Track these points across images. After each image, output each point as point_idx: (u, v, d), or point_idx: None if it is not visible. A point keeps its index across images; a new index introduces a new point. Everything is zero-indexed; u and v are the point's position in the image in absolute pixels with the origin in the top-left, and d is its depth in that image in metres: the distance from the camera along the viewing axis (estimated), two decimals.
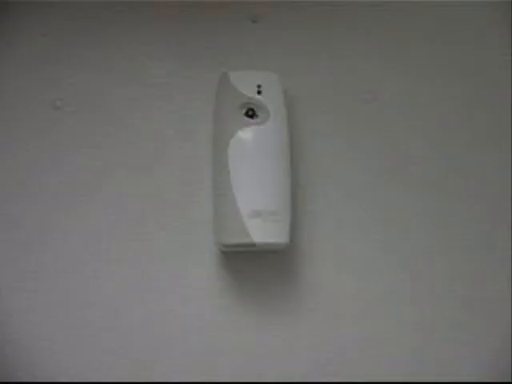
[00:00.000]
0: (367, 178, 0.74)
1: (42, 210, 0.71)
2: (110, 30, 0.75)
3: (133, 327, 0.70)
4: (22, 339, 0.69)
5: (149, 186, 0.72)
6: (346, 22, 0.77)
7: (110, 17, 0.75)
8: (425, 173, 0.74)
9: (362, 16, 0.77)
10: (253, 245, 0.67)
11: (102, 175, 0.72)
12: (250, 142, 0.69)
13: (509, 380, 0.67)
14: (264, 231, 0.67)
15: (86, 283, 0.70)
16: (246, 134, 0.69)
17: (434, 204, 0.74)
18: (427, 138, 0.75)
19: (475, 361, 0.70)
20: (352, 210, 0.73)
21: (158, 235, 0.71)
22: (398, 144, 0.75)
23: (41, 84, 0.74)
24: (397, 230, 0.73)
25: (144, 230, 0.71)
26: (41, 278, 0.70)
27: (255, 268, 0.71)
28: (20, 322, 0.69)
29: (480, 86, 0.76)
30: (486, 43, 0.77)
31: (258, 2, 0.76)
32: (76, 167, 0.72)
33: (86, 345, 0.69)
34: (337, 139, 0.74)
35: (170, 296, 0.70)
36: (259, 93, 0.70)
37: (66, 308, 0.70)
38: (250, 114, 0.70)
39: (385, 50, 0.76)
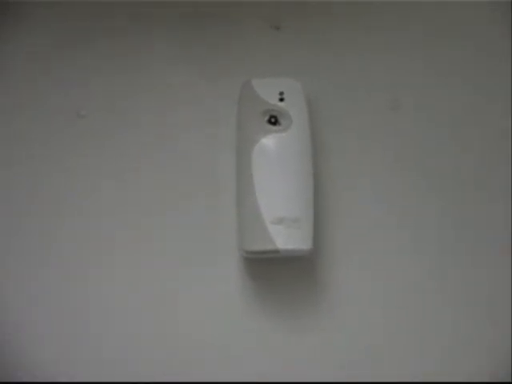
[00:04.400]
0: (391, 182, 0.74)
1: (56, 212, 0.72)
2: (132, 37, 0.76)
3: (153, 331, 0.70)
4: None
5: (171, 192, 0.73)
6: (368, 27, 0.77)
7: (132, 24, 0.76)
8: (452, 178, 0.74)
9: (384, 21, 0.77)
10: (276, 251, 0.67)
11: (124, 181, 0.73)
12: (273, 149, 0.69)
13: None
14: (287, 238, 0.67)
15: (100, 285, 0.71)
16: (269, 141, 0.69)
17: (461, 208, 0.74)
18: (452, 141, 0.75)
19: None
20: (376, 215, 0.73)
21: (180, 241, 0.72)
22: (421, 148, 0.75)
23: (64, 92, 0.75)
24: (422, 235, 0.73)
25: (166, 235, 0.72)
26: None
27: (278, 274, 0.71)
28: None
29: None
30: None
31: (280, 8, 0.76)
32: (97, 172, 0.73)
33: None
34: (359, 145, 0.75)
35: (192, 301, 0.70)
36: (282, 100, 0.71)
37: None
38: (273, 121, 0.70)
39: (404, 53, 0.77)
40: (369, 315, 0.71)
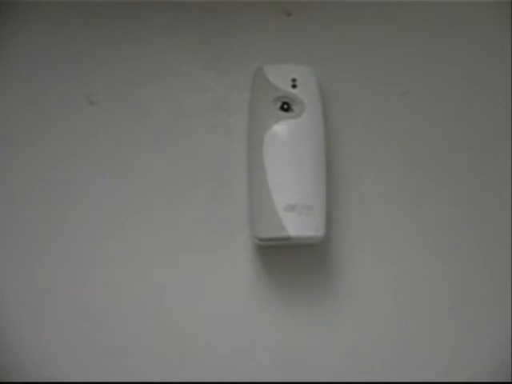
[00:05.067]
0: (401, 170, 0.74)
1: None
2: (141, 25, 0.75)
3: (165, 319, 0.70)
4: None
5: (183, 179, 0.72)
6: (378, 15, 0.77)
7: (141, 13, 0.76)
8: (459, 165, 0.74)
9: (394, 10, 0.77)
10: (288, 238, 0.67)
11: (136, 169, 0.73)
12: (286, 136, 0.69)
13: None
14: (299, 225, 0.67)
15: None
16: (281, 128, 0.69)
17: (468, 195, 0.73)
18: (460, 130, 0.75)
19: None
20: (387, 202, 0.73)
21: (192, 229, 0.71)
22: (431, 136, 0.75)
23: (75, 79, 0.74)
24: (431, 221, 0.73)
25: (178, 223, 0.72)
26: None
27: (290, 261, 0.71)
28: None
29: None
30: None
31: None
32: (107, 161, 0.73)
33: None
34: (371, 132, 0.74)
35: (204, 289, 0.70)
36: (294, 86, 0.70)
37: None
38: (285, 107, 0.70)
39: (413, 47, 0.77)
40: (382, 303, 0.71)
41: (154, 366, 0.69)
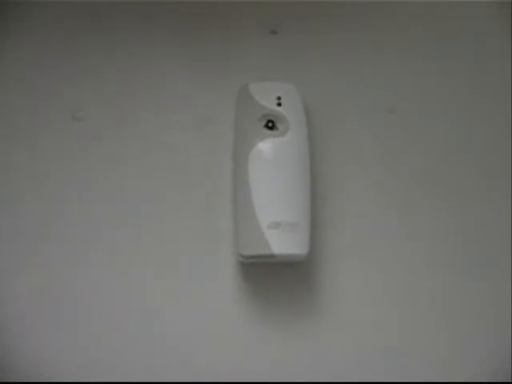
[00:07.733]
0: (389, 188, 0.74)
1: (55, 213, 0.72)
2: (129, 40, 0.76)
3: (149, 337, 0.70)
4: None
5: (168, 196, 0.73)
6: (364, 32, 0.77)
7: (129, 26, 0.76)
8: (454, 176, 0.74)
9: (382, 23, 0.77)
10: (272, 256, 0.67)
11: (122, 185, 0.73)
12: (270, 154, 0.69)
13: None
14: (283, 242, 0.67)
15: (99, 286, 0.71)
16: (266, 146, 0.69)
17: (458, 209, 0.74)
18: (445, 145, 0.75)
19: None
20: (373, 219, 0.73)
21: (176, 245, 0.72)
22: (416, 151, 0.75)
23: (61, 94, 0.75)
24: (421, 234, 0.73)
25: (162, 240, 0.72)
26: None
27: (274, 278, 0.71)
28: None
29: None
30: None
31: (277, 13, 0.76)
32: (95, 177, 0.73)
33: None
34: (356, 150, 0.74)
35: (188, 306, 0.70)
36: (279, 105, 0.71)
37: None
38: (270, 125, 0.70)
39: (403, 56, 0.77)
40: (367, 319, 0.71)
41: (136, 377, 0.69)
